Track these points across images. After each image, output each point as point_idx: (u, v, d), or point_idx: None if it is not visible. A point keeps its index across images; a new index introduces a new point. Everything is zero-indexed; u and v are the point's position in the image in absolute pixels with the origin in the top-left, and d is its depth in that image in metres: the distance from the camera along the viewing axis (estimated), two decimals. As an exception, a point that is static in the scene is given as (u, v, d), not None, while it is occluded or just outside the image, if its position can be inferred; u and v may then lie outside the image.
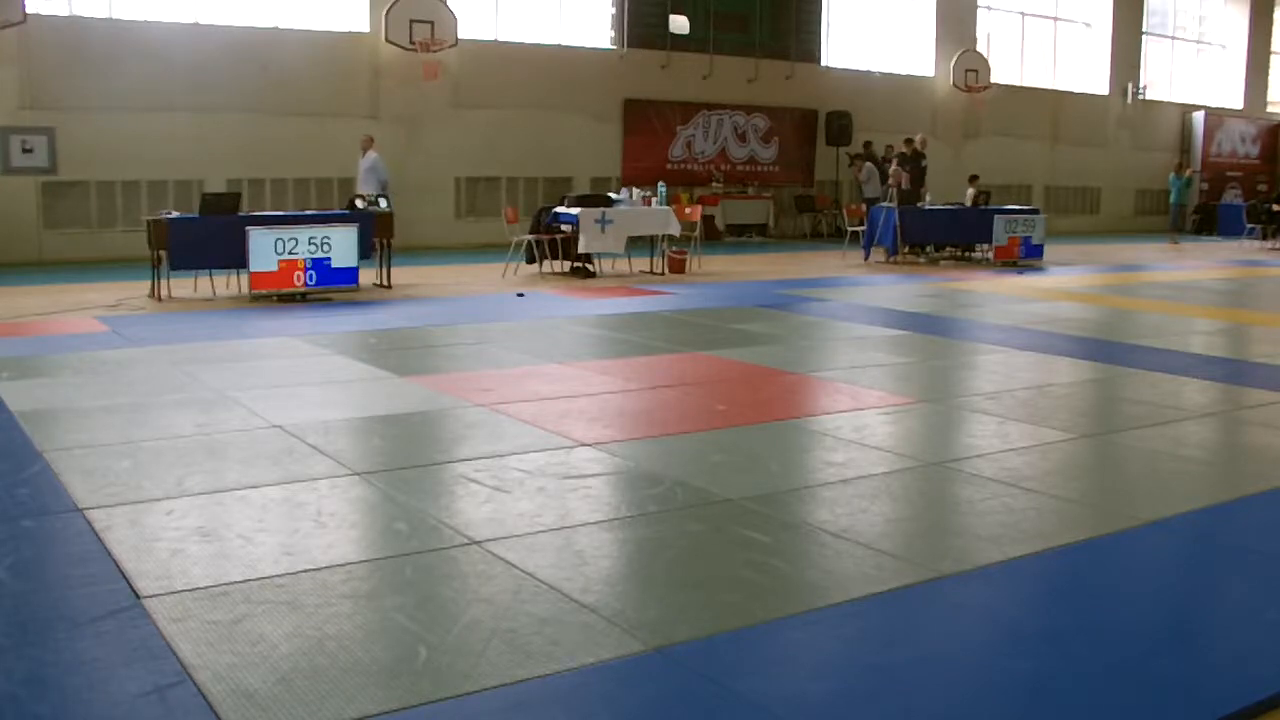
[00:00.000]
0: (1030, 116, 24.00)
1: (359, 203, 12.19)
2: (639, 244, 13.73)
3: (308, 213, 12.89)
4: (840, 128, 20.80)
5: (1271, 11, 28.28)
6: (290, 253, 10.49)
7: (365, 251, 11.25)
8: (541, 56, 17.93)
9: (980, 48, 22.98)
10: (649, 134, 19.24)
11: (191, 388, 6.48)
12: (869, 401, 6.37)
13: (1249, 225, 21.98)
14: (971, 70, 22.50)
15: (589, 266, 13.40)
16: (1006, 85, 23.54)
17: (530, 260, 13.28)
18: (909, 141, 17.74)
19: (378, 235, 11.79)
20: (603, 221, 12.90)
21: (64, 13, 14.58)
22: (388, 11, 16.37)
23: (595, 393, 6.52)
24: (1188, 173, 23.66)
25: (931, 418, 6.10)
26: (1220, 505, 4.53)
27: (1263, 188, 26.25)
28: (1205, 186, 26.74)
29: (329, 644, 3.06)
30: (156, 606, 3.29)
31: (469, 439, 5.41)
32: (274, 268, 10.44)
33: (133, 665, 2.91)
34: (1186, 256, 18.61)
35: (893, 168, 17.81)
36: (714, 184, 19.74)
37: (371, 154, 14.76)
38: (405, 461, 5.03)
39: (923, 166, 17.40)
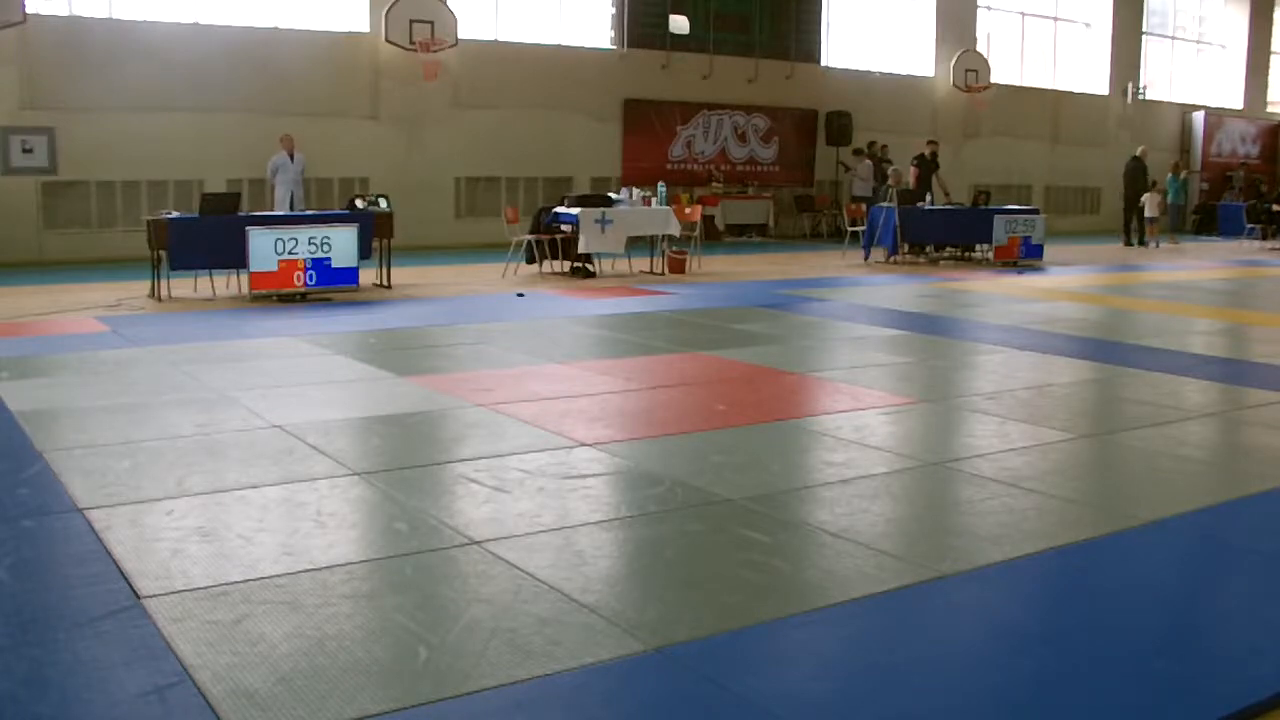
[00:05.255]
0: (1030, 116, 24.00)
1: (359, 202, 12.20)
2: (639, 244, 13.72)
3: (308, 212, 12.91)
4: (840, 128, 20.78)
5: (1271, 11, 28.26)
6: (290, 253, 10.48)
7: (365, 251, 11.25)
8: (541, 56, 17.93)
9: (980, 48, 22.97)
10: (649, 134, 19.24)
11: (191, 388, 6.48)
12: (869, 401, 6.37)
13: (1249, 225, 21.99)
14: (971, 70, 22.49)
15: (589, 266, 13.40)
16: (1006, 85, 23.53)
17: (530, 260, 13.28)
18: (931, 143, 17.91)
19: (378, 235, 11.79)
20: (603, 221, 12.90)
21: (64, 13, 14.57)
22: (388, 11, 16.36)
23: (595, 393, 6.52)
24: (1184, 173, 23.71)
25: (931, 418, 6.10)
26: (1220, 505, 4.53)
27: (1264, 188, 26.23)
28: (1205, 187, 26.74)
29: (329, 644, 3.06)
30: (156, 606, 3.29)
31: (469, 439, 5.42)
32: (274, 268, 10.43)
33: (133, 665, 2.92)
34: (1186, 256, 18.61)
35: (892, 168, 17.84)
36: (714, 184, 19.74)
37: (300, 156, 14.48)
38: (405, 461, 5.03)
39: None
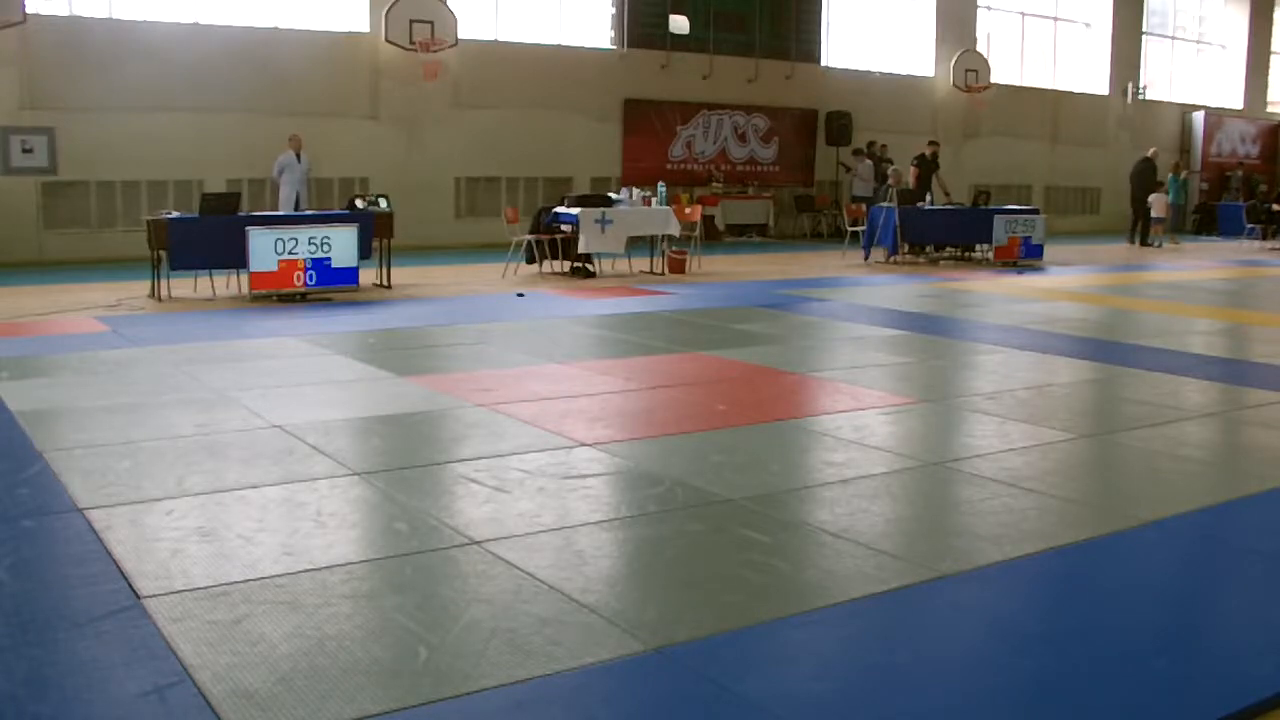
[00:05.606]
0: (1030, 116, 24.00)
1: (359, 202, 12.20)
2: (639, 244, 13.72)
3: (308, 212, 12.91)
4: (840, 128, 20.79)
5: (1271, 11, 28.27)
6: (290, 253, 10.48)
7: (365, 251, 11.25)
8: (541, 56, 17.93)
9: (980, 48, 22.97)
10: (649, 134, 19.24)
11: (191, 388, 6.48)
12: (869, 401, 6.37)
13: (1249, 225, 21.99)
14: (971, 70, 22.49)
15: (589, 266, 13.40)
16: (1006, 85, 23.54)
17: (530, 260, 13.28)
18: (932, 143, 17.91)
19: (378, 235, 11.79)
20: (603, 221, 12.90)
21: (64, 13, 14.58)
22: (388, 11, 16.36)
23: (595, 393, 6.52)
24: (1184, 174, 23.72)
25: (931, 418, 6.10)
26: (1220, 505, 4.53)
27: (1263, 188, 26.25)
28: (1205, 186, 26.74)
29: (329, 644, 3.06)
30: (156, 606, 3.29)
31: (469, 439, 5.42)
32: (274, 268, 10.43)
33: (133, 665, 2.92)
34: (1186, 256, 18.61)
35: (892, 168, 17.83)
36: (714, 184, 19.74)
37: (305, 156, 14.42)
38: (405, 461, 5.03)
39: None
